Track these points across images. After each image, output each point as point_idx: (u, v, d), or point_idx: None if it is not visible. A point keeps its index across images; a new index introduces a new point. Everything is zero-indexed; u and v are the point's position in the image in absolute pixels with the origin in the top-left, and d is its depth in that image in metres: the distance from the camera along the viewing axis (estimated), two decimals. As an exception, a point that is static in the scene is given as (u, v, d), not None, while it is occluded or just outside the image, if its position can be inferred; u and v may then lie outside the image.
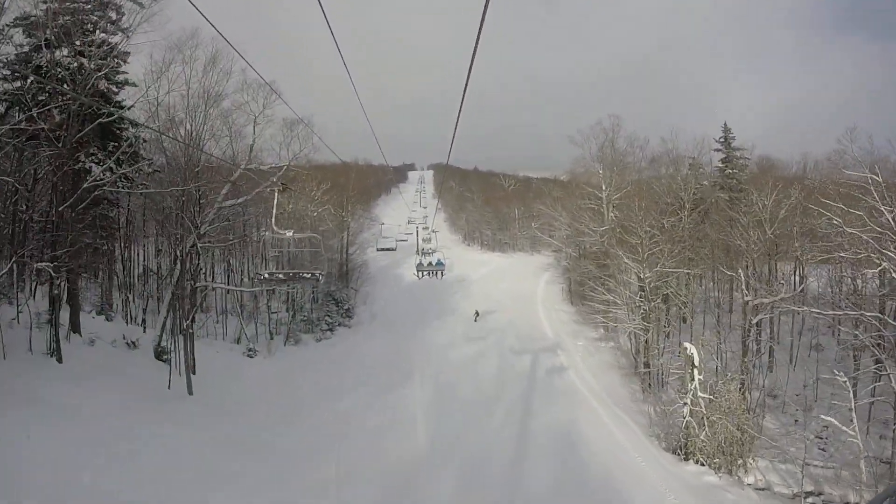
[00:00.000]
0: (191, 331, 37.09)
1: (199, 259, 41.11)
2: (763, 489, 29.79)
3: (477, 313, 52.74)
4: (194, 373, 36.78)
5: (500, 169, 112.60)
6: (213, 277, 52.23)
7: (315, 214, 59.05)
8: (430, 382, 40.25)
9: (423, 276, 56.39)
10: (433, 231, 62.23)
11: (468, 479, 26.66)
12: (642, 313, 41.63)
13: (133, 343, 37.34)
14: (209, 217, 39.81)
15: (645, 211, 44.10)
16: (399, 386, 39.39)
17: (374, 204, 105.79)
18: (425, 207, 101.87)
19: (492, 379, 40.62)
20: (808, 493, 28.98)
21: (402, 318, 55.92)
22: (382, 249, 66.36)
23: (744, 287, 38.57)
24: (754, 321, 38.51)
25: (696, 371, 31.67)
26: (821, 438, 33.45)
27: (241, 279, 55.97)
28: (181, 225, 39.47)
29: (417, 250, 59.73)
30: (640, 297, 41.90)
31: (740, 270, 39.35)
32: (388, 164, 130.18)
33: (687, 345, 32.47)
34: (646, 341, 41.65)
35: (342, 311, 55.58)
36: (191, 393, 34.37)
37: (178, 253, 39.72)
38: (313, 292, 57.12)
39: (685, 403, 31.81)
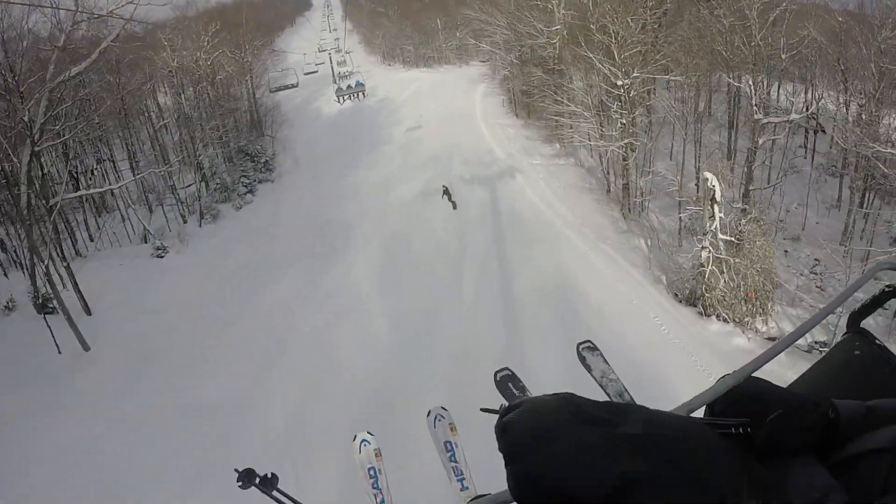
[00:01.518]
0: (65, 263, 28.15)
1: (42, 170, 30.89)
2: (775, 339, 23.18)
3: (447, 191, 36.73)
4: (89, 313, 28.28)
5: None
6: (91, 175, 41.43)
7: (209, 63, 48.01)
8: (375, 240, 32.38)
9: (343, 100, 47.56)
10: (347, 52, 51.83)
11: (458, 375, 19.51)
12: (620, 127, 33.23)
13: (7, 305, 29.25)
14: (41, 107, 28.20)
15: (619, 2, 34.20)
16: (340, 253, 31.42)
17: (278, 38, 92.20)
18: (335, 30, 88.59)
19: (447, 222, 32.78)
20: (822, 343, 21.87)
21: (329, 158, 46.53)
22: (277, 89, 55.83)
23: (753, 101, 30.35)
24: (760, 143, 30.77)
25: (716, 207, 24.15)
26: (815, 274, 28.07)
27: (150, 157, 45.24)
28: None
29: (333, 77, 49.79)
30: (618, 108, 33.28)
31: (748, 80, 30.97)
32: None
33: (708, 175, 24.56)
34: (623, 158, 33.61)
35: (259, 166, 45.96)
36: (86, 349, 26.41)
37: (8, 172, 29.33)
38: (225, 152, 47.31)
39: (703, 247, 24.61)
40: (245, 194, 43.19)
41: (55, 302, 27.80)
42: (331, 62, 53.72)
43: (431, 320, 23.57)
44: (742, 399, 1.48)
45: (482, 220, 32.53)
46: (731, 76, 33.79)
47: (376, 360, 22.00)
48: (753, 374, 1.53)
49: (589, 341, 3.23)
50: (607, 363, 3.14)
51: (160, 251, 35.31)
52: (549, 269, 26.92)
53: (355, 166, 43.49)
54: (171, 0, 43.04)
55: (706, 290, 25.03)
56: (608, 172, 35.87)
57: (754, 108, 30.39)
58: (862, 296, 1.88)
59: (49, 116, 27.94)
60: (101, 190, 35.69)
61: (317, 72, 58.47)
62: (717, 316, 24.86)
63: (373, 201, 37.00)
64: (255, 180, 44.73)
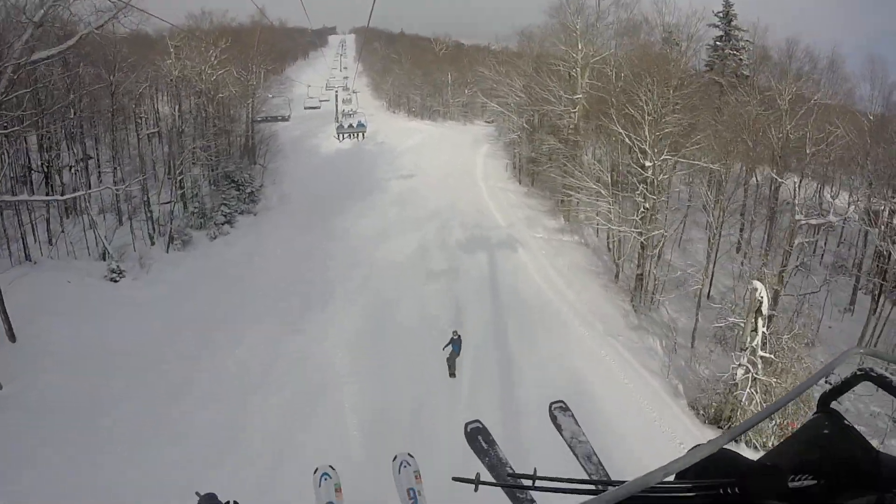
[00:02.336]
0: None
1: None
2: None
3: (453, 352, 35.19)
4: (13, 339, 23.64)
5: (430, 34, 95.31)
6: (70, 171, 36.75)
7: (213, 79, 44.21)
8: (358, 304, 27.70)
9: (343, 138, 44.12)
10: (354, 91, 48.29)
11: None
12: (643, 212, 29.60)
13: None
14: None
15: (652, 76, 30.66)
16: (315, 314, 26.77)
17: (289, 68, 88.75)
18: (346, 68, 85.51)
19: (442, 295, 28.34)
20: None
21: (320, 198, 42.14)
22: (309, 108, 52.23)
23: (794, 200, 27.07)
24: (795, 244, 27.41)
25: (761, 321, 20.36)
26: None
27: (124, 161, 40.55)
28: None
29: (336, 114, 46.15)
30: (643, 191, 29.67)
31: (793, 179, 27.88)
32: (309, 24, 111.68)
33: (757, 284, 20.85)
34: (642, 247, 29.89)
35: (244, 196, 41.62)
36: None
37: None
38: (210, 175, 43.03)
39: (740, 364, 20.72)
40: (223, 224, 38.69)
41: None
42: (336, 99, 50.16)
43: (418, 427, 19.08)
44: (714, 467, 1.55)
45: (480, 297, 28.23)
46: (772, 169, 30.51)
47: (345, 476, 17.40)
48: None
49: (561, 401, 3.29)
50: (578, 425, 3.17)
51: (115, 274, 30.41)
52: (556, 367, 22.61)
53: (347, 212, 39.20)
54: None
55: (738, 412, 21.10)
56: (618, 257, 32.09)
57: (796, 207, 27.11)
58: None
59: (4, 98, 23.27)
60: (66, 197, 30.56)
61: (318, 108, 54.97)
62: (748, 443, 20.81)
63: (361, 255, 32.62)
64: (236, 210, 40.30)
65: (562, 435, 3.11)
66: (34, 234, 32.28)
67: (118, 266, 30.72)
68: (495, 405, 20.32)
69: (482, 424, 3.34)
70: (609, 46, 39.97)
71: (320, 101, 52.94)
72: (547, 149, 41.57)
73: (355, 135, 45.44)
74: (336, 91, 52.98)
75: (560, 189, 40.53)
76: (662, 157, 28.93)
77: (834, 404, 1.84)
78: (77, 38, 23.96)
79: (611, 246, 34.51)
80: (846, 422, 1.76)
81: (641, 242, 29.54)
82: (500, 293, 28.35)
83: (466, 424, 3.38)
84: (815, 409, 1.87)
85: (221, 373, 22.42)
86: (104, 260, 32.10)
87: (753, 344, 20.76)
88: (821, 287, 28.60)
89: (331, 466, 3.37)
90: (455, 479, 2.29)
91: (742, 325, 22.18)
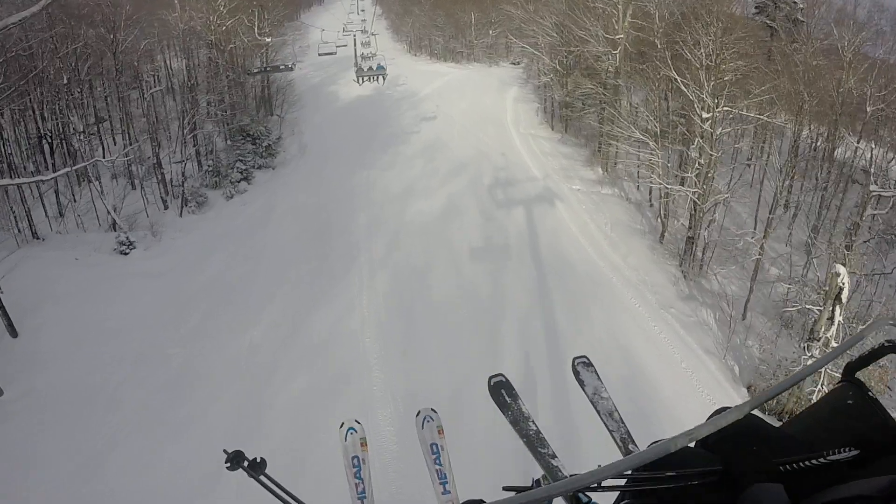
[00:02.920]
0: None
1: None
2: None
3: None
4: (14, 334, 21.11)
5: None
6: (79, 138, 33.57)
7: (222, 29, 40.73)
8: (385, 271, 24.67)
9: (363, 81, 40.96)
10: (372, 34, 44.57)
11: None
12: (697, 169, 25.96)
13: None
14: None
15: (710, 15, 26.48)
16: (339, 283, 23.82)
17: (304, 14, 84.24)
18: (363, 11, 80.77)
19: (479, 258, 25.20)
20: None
21: (340, 149, 39.14)
22: (324, 54, 48.15)
23: (871, 165, 23.41)
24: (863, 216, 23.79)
25: (839, 309, 17.14)
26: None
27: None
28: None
29: (355, 58, 42.66)
30: (698, 144, 25.77)
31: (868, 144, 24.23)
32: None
33: (840, 268, 17.41)
34: (694, 205, 26.28)
35: (261, 150, 38.44)
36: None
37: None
38: (225, 130, 39.86)
39: (811, 356, 17.66)
40: (239, 181, 35.66)
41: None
42: (354, 43, 46.55)
43: (457, 418, 16.17)
44: (741, 434, 1.51)
45: (520, 261, 24.99)
46: (831, 127, 26.62)
47: (377, 475, 14.69)
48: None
49: (584, 357, 3.19)
50: (601, 381, 3.09)
51: (125, 246, 27.59)
52: (609, 345, 19.61)
53: (369, 165, 35.89)
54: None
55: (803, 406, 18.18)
56: (664, 215, 28.64)
57: (871, 176, 23.47)
58: None
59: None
60: (58, 174, 27.15)
61: (335, 53, 50.95)
62: (769, 410, 18.07)
63: (386, 214, 29.44)
64: (252, 166, 37.23)
65: (584, 390, 3.02)
66: (43, 208, 29.71)
67: (127, 238, 27.88)
68: (546, 392, 17.40)
69: (505, 378, 3.16)
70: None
71: (337, 45, 48.96)
72: (582, 93, 37.69)
73: (375, 78, 42.01)
74: (354, 35, 48.97)
75: (597, 137, 36.97)
76: (721, 107, 25.12)
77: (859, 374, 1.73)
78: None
79: (654, 202, 31.09)
80: (870, 392, 1.69)
81: (694, 202, 25.98)
82: (542, 256, 25.18)
83: (490, 378, 3.18)
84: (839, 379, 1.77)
85: (234, 358, 19.71)
86: (115, 231, 29.47)
87: (829, 334, 17.57)
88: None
89: (357, 420, 3.15)
90: (506, 488, 1.96)
91: (816, 310, 19.03)
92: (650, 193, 31.38)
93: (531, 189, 31.60)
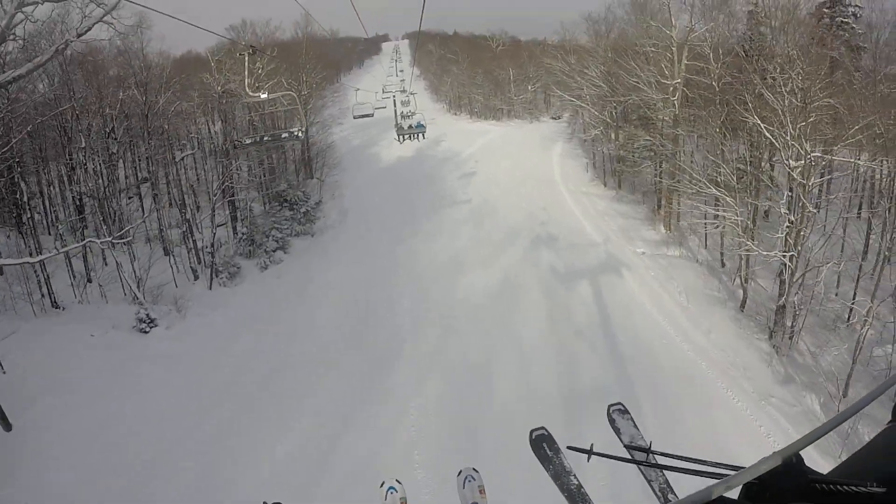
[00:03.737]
0: None
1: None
2: None
3: None
4: (8, 428, 17.69)
5: (485, 31, 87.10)
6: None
7: (264, 96, 38.19)
8: (437, 366, 20.21)
9: (403, 139, 38.36)
10: (411, 93, 41.98)
11: None
12: (788, 227, 21.79)
13: None
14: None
15: (798, 48, 22.69)
16: (379, 383, 19.55)
17: (343, 77, 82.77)
18: (402, 71, 78.75)
19: (544, 348, 20.68)
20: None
21: (382, 213, 35.88)
22: (360, 116, 45.33)
23: None
24: None
25: None
26: None
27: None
28: None
29: (395, 118, 40.09)
30: (788, 198, 21.36)
31: None
32: (364, 32, 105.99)
33: None
34: (790, 269, 21.18)
35: (299, 216, 35.37)
36: None
37: None
38: (263, 196, 36.97)
39: None
40: (275, 250, 32.36)
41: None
42: (394, 103, 44.12)
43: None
44: (780, 480, 1.36)
45: (594, 348, 20.55)
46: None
47: None
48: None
49: (620, 403, 3.06)
50: (637, 428, 2.94)
51: (144, 324, 24.19)
52: (708, 450, 15.18)
53: (413, 231, 32.38)
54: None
55: None
56: (744, 279, 24.32)
57: None
58: None
59: None
60: (47, 256, 23.08)
61: (371, 115, 48.41)
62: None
63: (435, 291, 25.36)
64: (290, 233, 34.05)
65: (620, 438, 2.86)
66: (70, 271, 26.92)
67: (147, 315, 24.51)
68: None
69: (547, 432, 3.04)
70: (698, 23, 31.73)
71: (374, 108, 46.43)
72: (638, 145, 33.94)
73: (415, 136, 39.34)
74: (393, 95, 46.49)
75: (655, 192, 33.09)
76: (812, 153, 21.03)
77: None
78: (54, 50, 17.35)
79: (726, 261, 26.88)
80: None
81: (784, 264, 21.67)
82: (618, 341, 20.78)
83: (532, 431, 3.05)
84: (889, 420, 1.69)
85: (254, 480, 15.83)
86: (137, 303, 26.33)
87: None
88: None
89: (397, 480, 3.10)
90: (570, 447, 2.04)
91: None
92: (721, 252, 27.21)
93: (593, 256, 27.57)
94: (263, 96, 12.70)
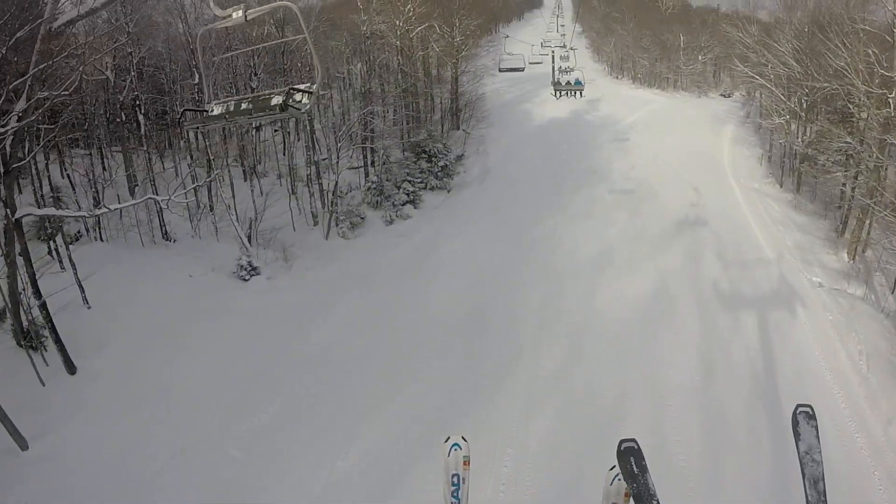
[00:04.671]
0: (39, 299, 15.60)
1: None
2: None
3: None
4: (72, 370, 15.74)
5: None
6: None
7: (411, 36, 35.08)
8: (552, 399, 15.42)
9: (560, 95, 34.22)
10: (571, 48, 37.01)
11: None
12: None
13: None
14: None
15: None
16: (483, 401, 15.22)
17: (503, 28, 77.12)
18: (563, 26, 72.15)
19: (692, 401, 15.52)
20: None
21: (527, 180, 31.53)
22: (506, 70, 40.40)
23: None
24: None
25: None
26: None
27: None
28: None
29: (553, 73, 35.42)
30: None
31: None
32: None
33: None
34: None
35: (436, 171, 31.82)
36: (23, 448, 13.20)
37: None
38: (404, 145, 33.82)
39: None
40: (404, 204, 29.14)
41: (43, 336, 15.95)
42: (552, 58, 39.36)
43: None
44: None
45: (749, 412, 15.12)
46: None
47: None
48: None
49: (809, 406, 2.84)
50: (818, 440, 2.72)
51: (245, 271, 21.77)
52: None
53: (558, 208, 27.75)
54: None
55: None
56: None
57: None
58: None
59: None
60: (121, 206, 19.59)
61: (522, 69, 42.75)
62: None
63: (570, 294, 20.42)
64: (423, 187, 30.80)
65: (797, 444, 2.72)
66: (196, 199, 25.24)
67: (249, 263, 22.01)
68: None
69: (637, 445, 2.78)
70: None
71: (530, 62, 41.39)
72: (833, 147, 27.36)
73: (573, 93, 35.04)
74: (553, 49, 41.52)
75: (840, 204, 26.77)
76: None
77: None
78: None
79: None
80: None
81: None
82: (780, 408, 15.22)
83: (621, 442, 2.81)
84: None
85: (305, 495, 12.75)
86: (249, 244, 24.17)
87: None
88: None
89: (463, 437, 2.97)
90: None
91: None
92: None
93: (763, 278, 21.84)
94: (237, 14, 6.33)
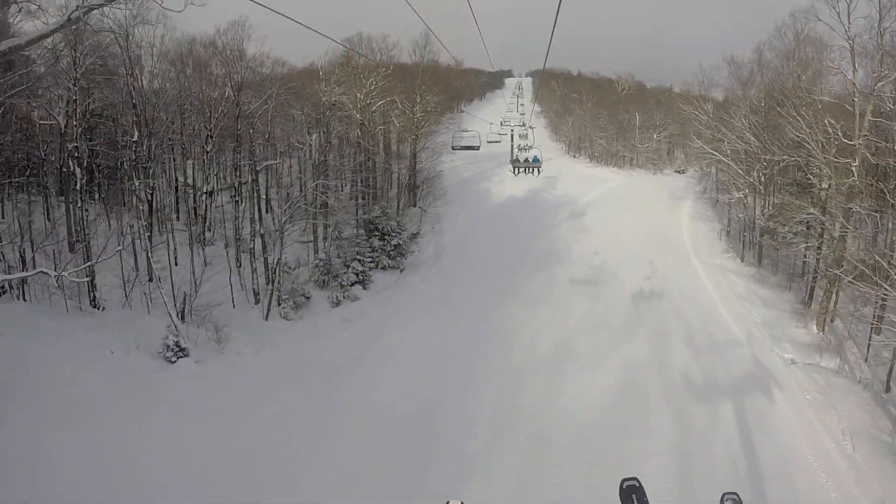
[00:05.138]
0: None
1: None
2: None
3: None
4: None
5: (611, 73, 78.82)
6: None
7: (372, 110, 34.01)
8: None
9: (518, 172, 32.62)
10: (530, 127, 36.21)
11: None
12: None
13: None
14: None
15: None
16: None
17: (464, 108, 77.59)
18: (523, 105, 72.60)
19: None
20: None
21: (482, 261, 29.75)
22: (460, 148, 38.82)
23: None
24: None
25: None
26: None
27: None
28: None
29: (512, 151, 34.38)
30: None
31: None
32: (490, 66, 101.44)
33: None
34: None
35: (388, 249, 30.00)
36: None
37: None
38: (357, 221, 32.14)
39: None
40: (352, 285, 27.09)
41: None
42: (511, 136, 38.56)
43: None
44: None
45: None
46: None
47: None
48: None
49: (735, 493, 2.63)
50: None
51: (171, 353, 19.38)
52: None
53: (514, 292, 25.81)
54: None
55: None
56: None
57: None
58: None
59: None
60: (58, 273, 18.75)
61: (476, 148, 41.59)
62: None
63: (529, 391, 18.08)
64: (375, 266, 28.96)
65: None
66: (135, 264, 23.00)
67: (177, 343, 19.57)
68: None
69: (639, 483, 2.67)
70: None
71: (488, 140, 40.43)
72: (795, 219, 26.30)
73: (531, 170, 33.97)
74: (512, 128, 40.87)
75: (804, 275, 25.61)
76: None
77: None
78: (66, 19, 12.66)
79: (893, 386, 19.03)
80: None
81: None
82: None
83: (623, 481, 2.70)
84: None
85: None
86: (182, 321, 21.74)
87: None
88: None
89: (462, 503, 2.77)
90: None
91: None
92: (890, 373, 19.34)
93: (735, 362, 19.99)
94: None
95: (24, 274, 17.44)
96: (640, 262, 28.92)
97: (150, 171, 25.49)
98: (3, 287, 19.46)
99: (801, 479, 14.63)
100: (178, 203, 28.28)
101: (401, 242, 30.37)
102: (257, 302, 24.87)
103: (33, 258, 20.19)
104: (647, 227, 34.43)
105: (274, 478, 14.28)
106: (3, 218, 24.04)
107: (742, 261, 30.45)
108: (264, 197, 30.99)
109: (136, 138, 24.24)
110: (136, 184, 24.24)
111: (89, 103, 24.21)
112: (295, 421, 16.51)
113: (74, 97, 22.37)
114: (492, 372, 19.20)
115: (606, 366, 19.56)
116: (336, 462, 14.75)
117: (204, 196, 29.31)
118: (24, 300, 19.95)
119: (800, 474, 14.80)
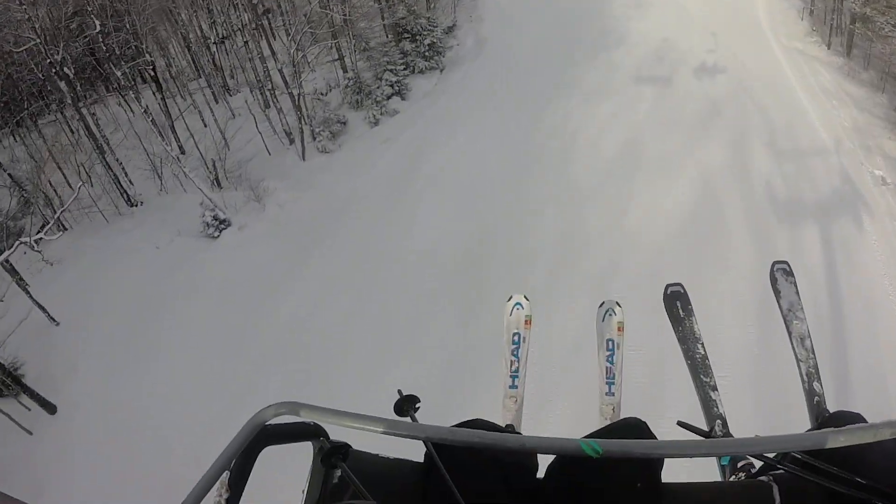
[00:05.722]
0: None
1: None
2: None
3: None
4: (52, 411, 14.44)
5: None
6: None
7: None
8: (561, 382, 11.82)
9: None
10: None
11: None
12: None
13: None
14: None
15: None
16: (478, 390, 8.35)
17: None
18: None
19: (744, 355, 11.74)
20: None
21: (531, 49, 25.67)
22: None
23: None
24: None
25: None
26: None
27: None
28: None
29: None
30: None
31: None
32: None
33: None
34: None
35: (423, 52, 26.16)
36: None
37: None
38: (385, 28, 28.19)
39: None
40: (390, 97, 24.24)
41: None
42: None
43: None
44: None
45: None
46: None
47: None
48: None
49: (786, 262, 2.49)
50: (798, 296, 2.45)
51: (213, 228, 18.03)
52: None
53: (570, 85, 22.30)
54: None
55: None
56: None
57: None
58: None
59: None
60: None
61: None
62: None
63: (593, 210, 15.92)
64: (412, 70, 25.77)
65: (779, 302, 2.40)
66: (163, 142, 21.03)
67: (214, 217, 18.13)
68: None
69: (684, 289, 2.53)
70: None
71: None
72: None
73: None
74: None
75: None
76: None
77: None
78: None
79: None
80: None
81: None
82: (848, 368, 11.65)
83: (668, 286, 2.55)
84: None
85: None
86: (219, 186, 20.16)
87: None
88: None
89: (525, 297, 2.59)
90: (681, 423, 1.74)
91: None
92: None
93: (822, 174, 17.16)
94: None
95: (6, 254, 15.66)
96: (710, 41, 24.75)
97: (143, 49, 22.13)
98: (43, 225, 18.76)
99: (886, 330, 12.87)
100: (195, 63, 25.09)
101: (435, 40, 26.75)
102: (291, 142, 22.61)
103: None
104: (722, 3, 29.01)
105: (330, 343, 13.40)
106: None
107: (828, 48, 25.88)
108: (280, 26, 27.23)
109: (97, 29, 20.49)
110: (118, 74, 21.24)
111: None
112: (340, 276, 15.23)
113: None
114: (550, 191, 17.01)
115: (680, 173, 17.19)
116: (388, 317, 13.68)
117: (215, 46, 25.95)
118: (65, 229, 19.47)
119: (885, 324, 13.02)
